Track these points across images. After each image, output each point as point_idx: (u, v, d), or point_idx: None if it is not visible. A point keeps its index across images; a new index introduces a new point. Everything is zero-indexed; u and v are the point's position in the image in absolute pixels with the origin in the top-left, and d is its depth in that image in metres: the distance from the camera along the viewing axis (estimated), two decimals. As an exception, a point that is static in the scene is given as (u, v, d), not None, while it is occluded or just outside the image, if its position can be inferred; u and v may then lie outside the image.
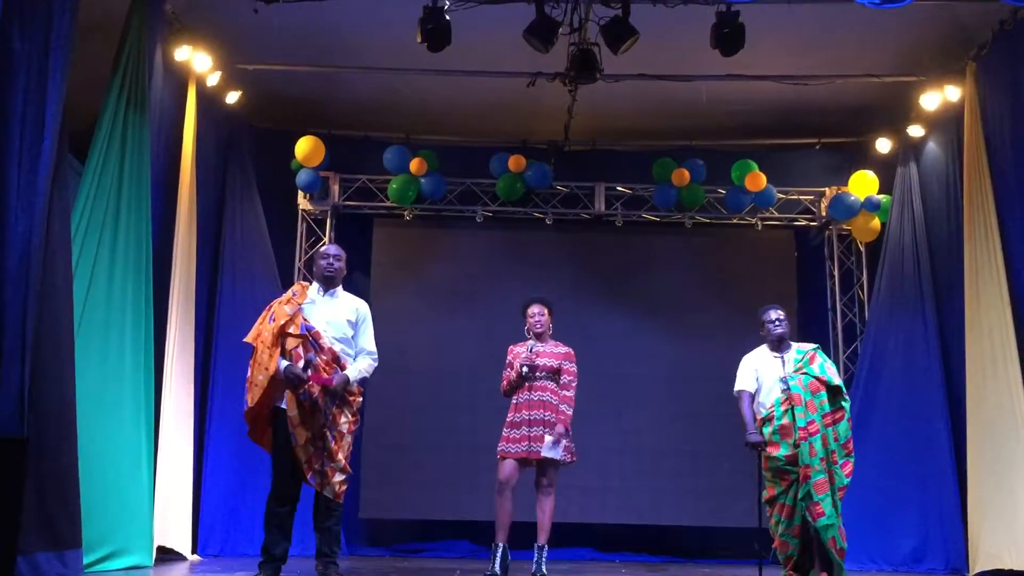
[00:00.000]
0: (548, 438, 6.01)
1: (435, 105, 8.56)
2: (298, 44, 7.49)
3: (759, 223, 9.08)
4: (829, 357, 7.93)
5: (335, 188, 8.95)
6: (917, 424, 7.76)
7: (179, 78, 7.21)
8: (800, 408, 5.57)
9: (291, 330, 5.04)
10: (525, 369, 6.04)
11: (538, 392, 6.09)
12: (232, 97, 8.07)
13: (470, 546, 8.41)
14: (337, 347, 5.17)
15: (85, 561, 5.28)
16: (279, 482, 5.03)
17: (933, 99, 7.82)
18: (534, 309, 6.29)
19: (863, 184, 8.71)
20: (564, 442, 6.05)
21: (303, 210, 9.00)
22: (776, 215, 9.14)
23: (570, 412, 6.14)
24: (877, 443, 7.72)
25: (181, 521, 7.04)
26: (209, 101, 7.74)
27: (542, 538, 6.10)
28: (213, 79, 7.60)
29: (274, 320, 5.06)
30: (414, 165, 8.68)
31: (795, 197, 9.15)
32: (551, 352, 6.21)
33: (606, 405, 8.74)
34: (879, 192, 8.71)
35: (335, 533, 5.11)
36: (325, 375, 5.00)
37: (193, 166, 7.27)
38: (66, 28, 4.94)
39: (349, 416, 5.15)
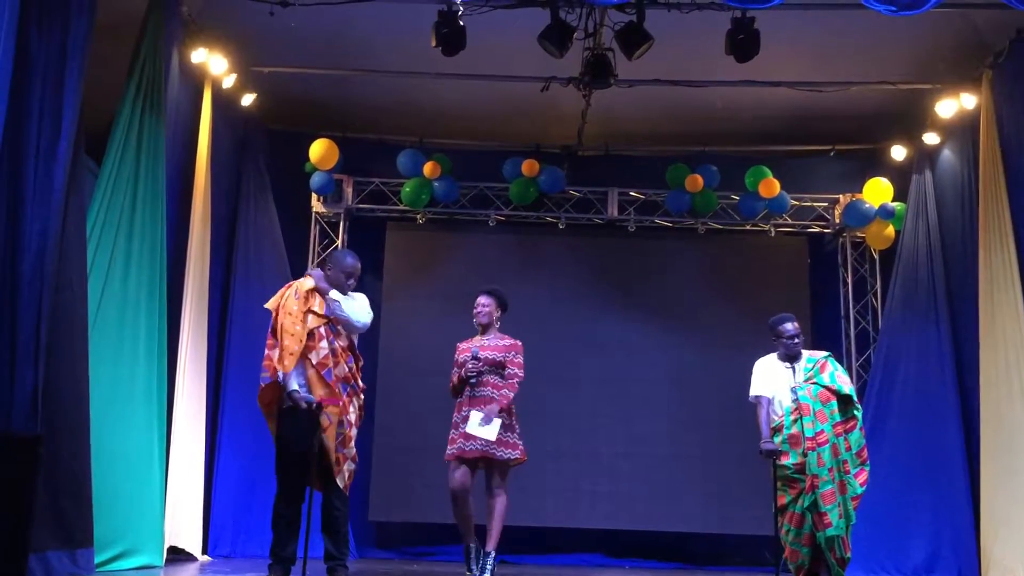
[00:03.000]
0: (477, 414, 5.68)
1: (449, 109, 8.57)
2: (313, 47, 7.52)
3: (772, 229, 9.05)
4: (841, 365, 7.94)
5: (348, 191, 8.97)
6: (930, 433, 7.71)
7: (195, 80, 7.25)
8: (809, 418, 5.54)
9: (316, 308, 5.08)
10: (472, 380, 5.78)
11: (480, 388, 5.80)
12: (247, 99, 8.10)
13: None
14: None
15: (96, 560, 5.30)
16: (284, 482, 5.04)
17: (949, 106, 7.78)
18: (479, 300, 6.03)
19: (877, 191, 8.67)
20: (497, 420, 5.68)
21: (316, 212, 9.02)
22: (789, 222, 9.11)
23: (510, 395, 5.79)
24: (890, 452, 7.69)
25: (192, 521, 7.07)
26: (224, 103, 7.77)
27: (490, 544, 5.77)
28: (229, 81, 7.64)
29: (299, 296, 5.11)
30: (427, 168, 8.69)
31: (809, 204, 9.13)
32: (495, 345, 5.93)
33: (616, 410, 8.75)
34: (893, 199, 8.66)
35: (343, 535, 5.11)
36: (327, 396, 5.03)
37: (208, 168, 7.31)
38: (83, 30, 4.98)
39: (357, 407, 5.20)
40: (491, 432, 5.68)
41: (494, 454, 5.73)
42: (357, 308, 5.23)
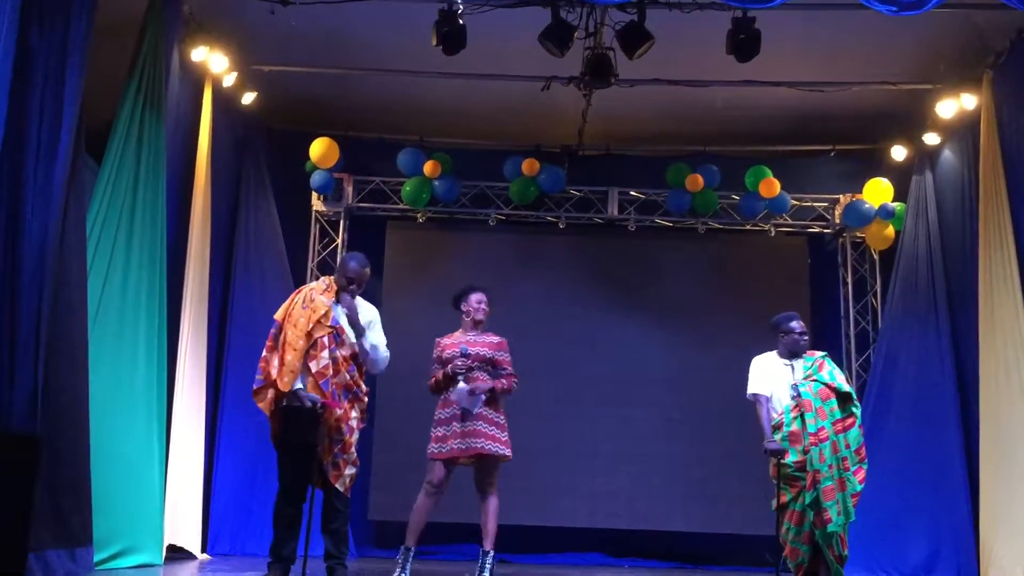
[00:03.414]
0: (463, 384, 5.57)
1: (449, 108, 8.57)
2: (314, 46, 7.52)
3: (772, 229, 9.05)
4: (841, 365, 7.94)
5: (349, 190, 8.97)
6: (929, 433, 7.71)
7: (195, 78, 7.25)
8: (810, 414, 5.55)
9: (323, 320, 5.05)
10: (460, 376, 5.62)
11: (470, 384, 5.65)
12: (248, 98, 8.10)
13: (478, 549, 8.38)
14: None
15: (96, 559, 5.30)
16: (286, 482, 5.03)
17: (949, 107, 7.78)
18: (479, 296, 5.93)
19: (878, 192, 8.67)
20: (482, 397, 5.60)
21: (316, 211, 9.02)
22: (790, 222, 9.12)
23: (506, 384, 5.72)
24: (889, 451, 7.69)
25: (191, 520, 7.07)
26: (225, 102, 7.77)
27: (488, 543, 5.67)
28: (229, 80, 7.64)
29: (307, 306, 5.06)
30: (428, 167, 8.69)
31: (809, 204, 9.13)
32: (484, 342, 5.81)
33: (616, 409, 8.75)
34: (894, 200, 8.67)
35: (343, 535, 5.11)
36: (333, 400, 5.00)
37: (208, 166, 7.31)
38: (84, 28, 4.97)
39: (359, 412, 5.18)
40: (475, 404, 5.58)
41: (491, 451, 5.62)
42: (383, 352, 5.25)
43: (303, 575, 4.88)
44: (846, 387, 5.67)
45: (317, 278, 8.56)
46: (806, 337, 5.84)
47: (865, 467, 5.58)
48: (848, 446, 5.55)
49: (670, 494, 8.62)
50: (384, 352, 5.32)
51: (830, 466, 5.46)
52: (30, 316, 4.61)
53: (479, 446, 5.61)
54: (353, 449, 5.09)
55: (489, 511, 5.71)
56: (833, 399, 5.60)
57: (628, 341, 8.93)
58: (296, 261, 8.65)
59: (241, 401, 7.75)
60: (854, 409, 5.64)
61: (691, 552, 8.62)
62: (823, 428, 5.52)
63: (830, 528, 5.41)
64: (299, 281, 8.53)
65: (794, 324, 5.84)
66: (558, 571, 7.47)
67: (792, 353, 5.83)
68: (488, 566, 5.67)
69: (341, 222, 9.05)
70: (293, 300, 5.17)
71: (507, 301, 8.98)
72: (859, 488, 5.52)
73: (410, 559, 5.69)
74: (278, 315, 5.13)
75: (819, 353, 5.88)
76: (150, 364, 6.19)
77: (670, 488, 8.63)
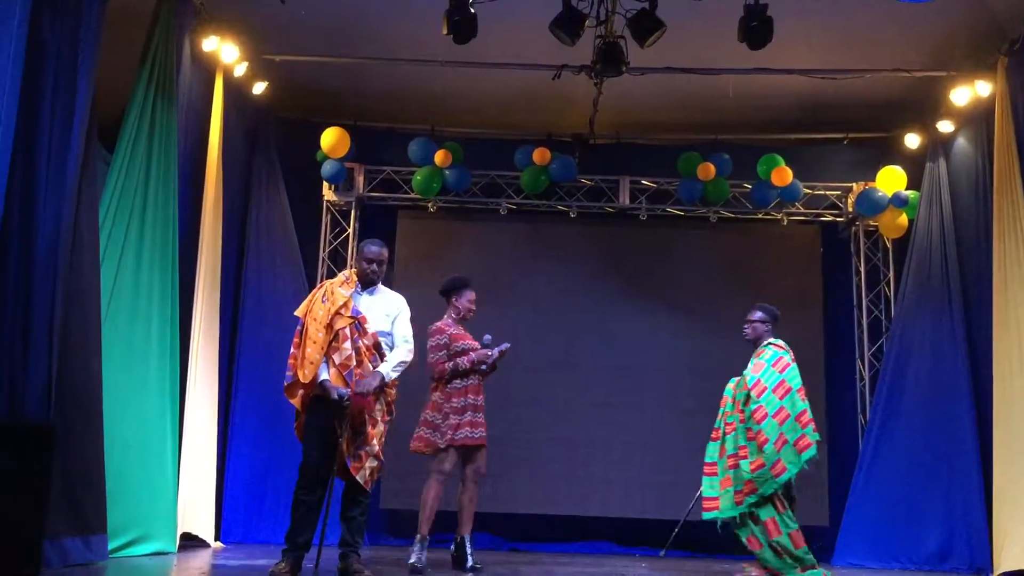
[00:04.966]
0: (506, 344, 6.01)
1: (460, 97, 8.56)
2: (324, 35, 7.52)
3: (785, 218, 9.02)
4: (854, 354, 7.88)
5: (360, 179, 8.98)
6: (943, 421, 7.68)
7: (206, 69, 7.26)
8: (722, 409, 5.78)
9: (343, 311, 5.05)
10: (483, 367, 5.99)
11: (473, 377, 6.02)
12: (259, 88, 8.11)
13: (490, 538, 8.43)
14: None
15: (110, 546, 5.35)
16: (308, 469, 5.03)
17: (963, 94, 7.72)
18: (473, 295, 6.18)
19: (891, 180, 8.62)
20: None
21: (328, 201, 9.04)
22: (802, 210, 9.08)
23: None
24: (902, 441, 7.69)
25: (205, 508, 7.11)
26: (236, 92, 7.79)
27: (469, 528, 6.02)
28: (240, 70, 7.65)
29: (327, 300, 5.06)
30: (439, 157, 8.68)
31: (822, 192, 9.09)
32: (472, 337, 6.15)
33: (627, 399, 8.76)
34: (907, 188, 8.61)
35: (360, 524, 5.13)
36: (360, 391, 4.97)
37: (220, 156, 7.33)
38: (95, 19, 5.00)
39: (383, 404, 5.18)
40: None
41: (486, 440, 5.93)
42: (402, 354, 5.21)
43: (316, 564, 4.91)
44: (748, 378, 5.73)
45: (328, 267, 8.74)
46: (745, 327, 6.03)
47: (766, 457, 5.46)
48: (752, 438, 5.55)
49: (682, 483, 8.58)
50: (409, 350, 5.29)
51: (729, 456, 5.63)
52: (43, 306, 4.64)
53: (486, 436, 5.92)
54: (375, 442, 5.06)
55: (475, 499, 6.00)
56: (744, 392, 5.72)
57: (639, 330, 8.92)
58: (308, 250, 8.67)
59: (254, 390, 7.79)
60: (760, 402, 5.58)
61: (702, 541, 8.58)
62: (732, 422, 5.68)
63: (712, 515, 5.63)
64: (311, 270, 8.58)
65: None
66: (570, 559, 7.48)
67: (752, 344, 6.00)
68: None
69: (352, 211, 9.07)
70: (314, 296, 5.17)
71: (518, 290, 9.02)
72: (747, 476, 5.53)
73: (425, 547, 5.80)
74: (299, 312, 5.14)
75: (768, 342, 5.94)
76: (163, 353, 6.22)
77: (682, 477, 8.59)
